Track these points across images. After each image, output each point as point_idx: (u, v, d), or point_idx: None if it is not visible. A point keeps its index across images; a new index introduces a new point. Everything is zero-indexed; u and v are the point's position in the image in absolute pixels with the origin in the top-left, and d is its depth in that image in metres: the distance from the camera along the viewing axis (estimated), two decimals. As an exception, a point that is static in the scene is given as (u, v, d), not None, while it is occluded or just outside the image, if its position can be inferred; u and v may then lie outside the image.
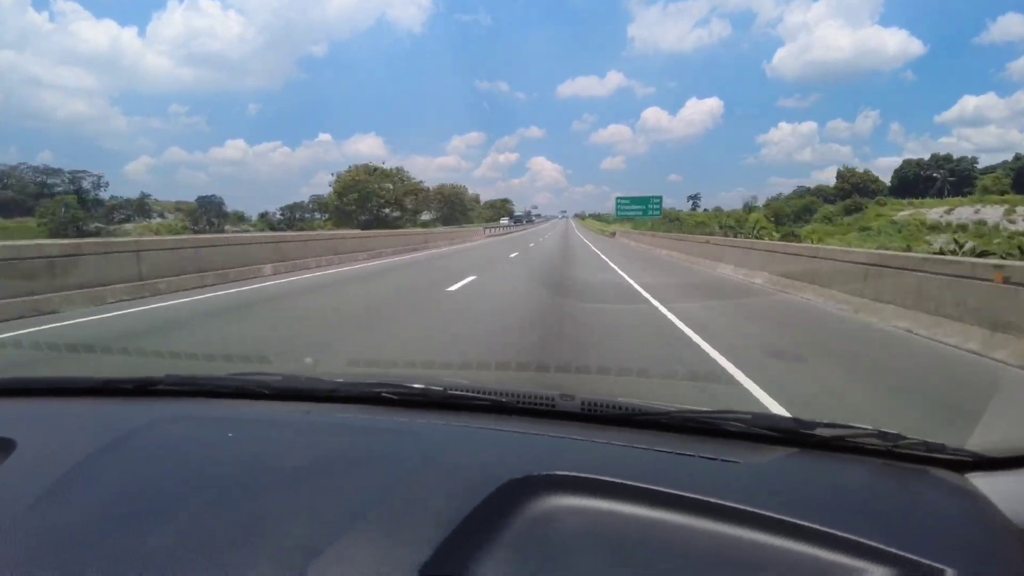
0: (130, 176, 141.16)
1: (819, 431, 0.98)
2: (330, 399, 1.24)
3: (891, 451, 0.95)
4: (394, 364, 3.09)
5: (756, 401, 3.43)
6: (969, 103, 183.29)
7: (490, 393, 1.18)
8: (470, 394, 1.19)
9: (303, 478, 0.85)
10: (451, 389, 1.21)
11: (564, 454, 0.97)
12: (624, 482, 0.82)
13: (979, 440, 0.94)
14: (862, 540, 0.70)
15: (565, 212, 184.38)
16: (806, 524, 0.73)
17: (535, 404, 1.14)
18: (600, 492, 0.81)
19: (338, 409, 1.19)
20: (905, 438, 0.94)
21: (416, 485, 0.82)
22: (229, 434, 1.05)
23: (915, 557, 0.67)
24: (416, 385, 1.23)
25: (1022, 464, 0.87)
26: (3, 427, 1.03)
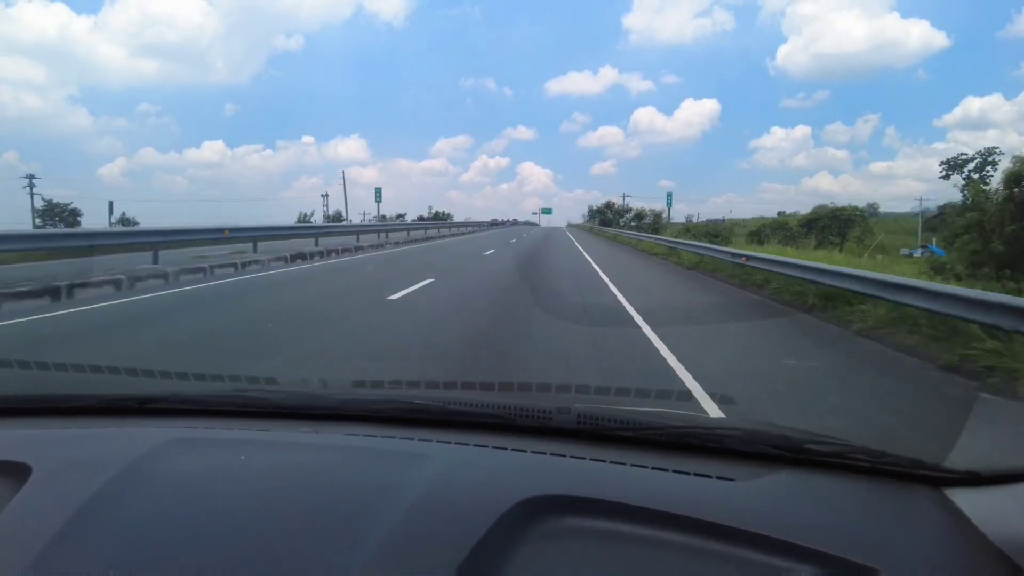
0: (105, 180, 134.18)
1: (809, 447, 1.04)
2: (333, 416, 1.27)
3: (875, 467, 1.00)
4: (398, 384, 3.12)
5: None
6: (973, 105, 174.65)
7: (488, 406, 1.26)
8: (469, 409, 1.26)
9: (320, 506, 0.89)
10: (450, 405, 1.29)
11: (564, 473, 1.02)
12: (625, 502, 0.86)
13: (958, 457, 1.00)
14: (846, 557, 0.76)
15: (548, 211, 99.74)
16: (798, 543, 0.78)
17: (531, 418, 1.19)
18: (602, 513, 0.85)
19: (344, 427, 1.23)
20: (887, 454, 1.00)
21: (428, 511, 0.86)
22: (241, 457, 1.07)
23: (894, 573, 0.73)
24: (417, 403, 1.31)
25: (997, 482, 0.91)
26: (15, 450, 1.04)
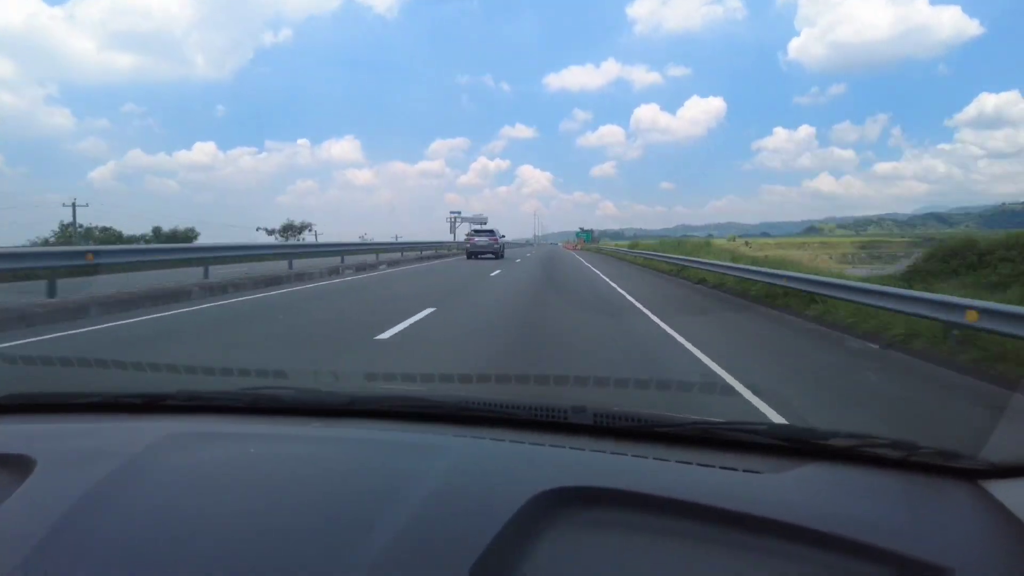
0: (96, 184, 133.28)
1: (834, 441, 1.01)
2: (345, 413, 1.26)
3: (906, 460, 0.97)
4: (411, 378, 3.02)
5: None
6: (988, 101, 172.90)
7: (504, 406, 1.22)
8: (484, 407, 1.23)
9: (331, 496, 0.87)
10: (466, 402, 1.26)
11: (586, 466, 1.00)
12: (651, 493, 0.84)
13: (993, 449, 0.99)
14: (885, 548, 0.74)
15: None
16: (828, 532, 0.76)
17: (547, 416, 1.17)
18: (625, 504, 0.83)
19: (355, 424, 1.22)
20: (920, 447, 0.97)
21: (445, 503, 0.83)
22: (250, 449, 1.05)
23: (931, 560, 0.72)
24: (432, 398, 1.30)
25: None
26: (20, 444, 1.02)
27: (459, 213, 53.94)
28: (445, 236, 48.27)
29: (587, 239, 74.21)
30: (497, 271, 17.81)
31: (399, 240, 31.13)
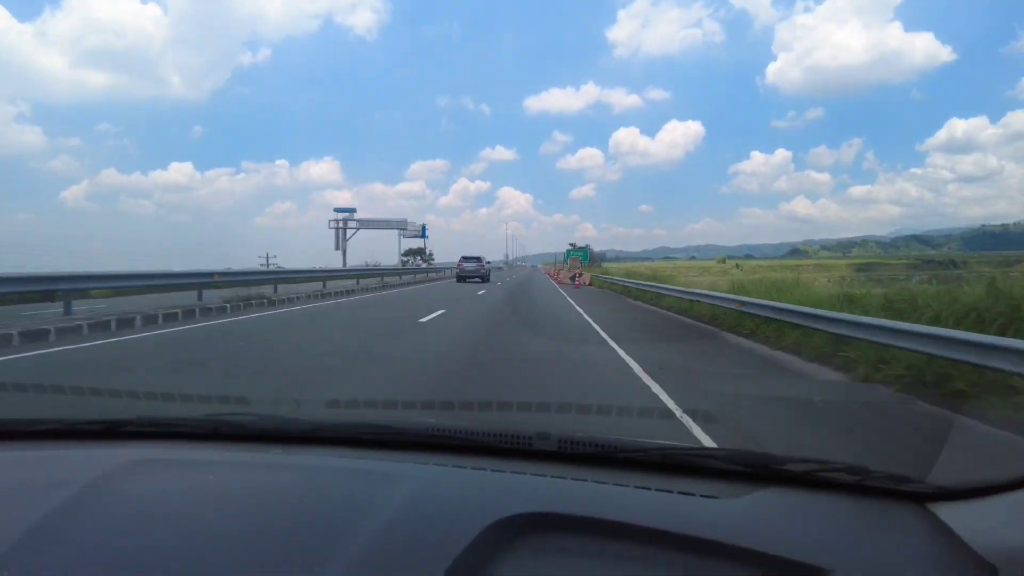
0: (68, 204, 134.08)
1: (791, 466, 1.03)
2: (308, 440, 1.24)
3: (859, 484, 0.99)
4: (373, 404, 2.99)
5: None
6: (958, 127, 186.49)
7: (467, 432, 1.22)
8: (449, 434, 1.22)
9: (289, 525, 0.85)
10: (430, 430, 1.26)
11: (546, 492, 1.00)
12: (610, 519, 0.85)
13: (939, 474, 1.04)
14: (830, 569, 0.75)
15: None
16: (783, 556, 0.78)
17: (511, 443, 1.16)
18: (584, 530, 0.84)
19: (317, 451, 1.20)
20: (872, 472, 0.99)
21: (403, 530, 0.83)
22: (209, 477, 1.04)
23: None
24: (395, 425, 1.28)
25: (979, 495, 0.92)
26: None
27: (353, 211, 36.98)
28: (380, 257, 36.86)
29: (585, 259, 44.08)
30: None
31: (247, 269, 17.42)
